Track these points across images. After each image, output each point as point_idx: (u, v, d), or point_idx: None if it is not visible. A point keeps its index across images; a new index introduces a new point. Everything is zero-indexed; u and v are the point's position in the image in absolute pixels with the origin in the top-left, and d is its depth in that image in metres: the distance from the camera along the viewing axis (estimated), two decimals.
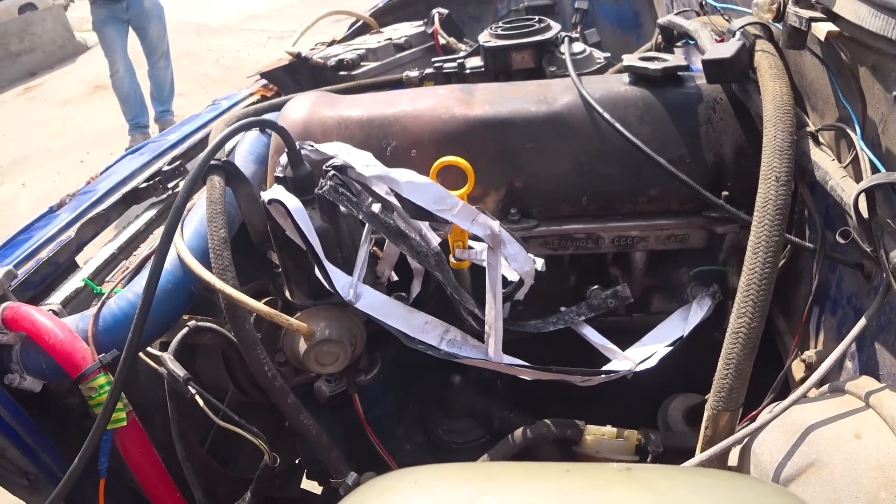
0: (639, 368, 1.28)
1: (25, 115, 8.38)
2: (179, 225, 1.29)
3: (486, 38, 1.91)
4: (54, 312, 1.27)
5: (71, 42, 10.57)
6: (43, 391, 1.24)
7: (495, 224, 1.18)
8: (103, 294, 1.32)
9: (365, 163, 1.17)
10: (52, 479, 1.24)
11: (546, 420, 1.34)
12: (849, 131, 1.00)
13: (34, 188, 6.14)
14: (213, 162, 1.26)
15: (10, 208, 5.83)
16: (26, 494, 1.32)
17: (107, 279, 1.48)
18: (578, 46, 1.80)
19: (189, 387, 1.22)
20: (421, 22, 2.45)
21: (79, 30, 10.67)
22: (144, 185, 1.71)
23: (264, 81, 2.35)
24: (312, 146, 1.23)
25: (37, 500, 1.31)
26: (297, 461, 1.68)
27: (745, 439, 0.95)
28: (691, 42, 1.71)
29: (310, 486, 1.74)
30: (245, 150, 1.61)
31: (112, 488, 1.23)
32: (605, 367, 1.29)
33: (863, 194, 0.88)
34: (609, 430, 1.32)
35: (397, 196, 1.17)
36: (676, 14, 1.87)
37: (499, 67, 1.89)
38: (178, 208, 1.14)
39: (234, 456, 1.75)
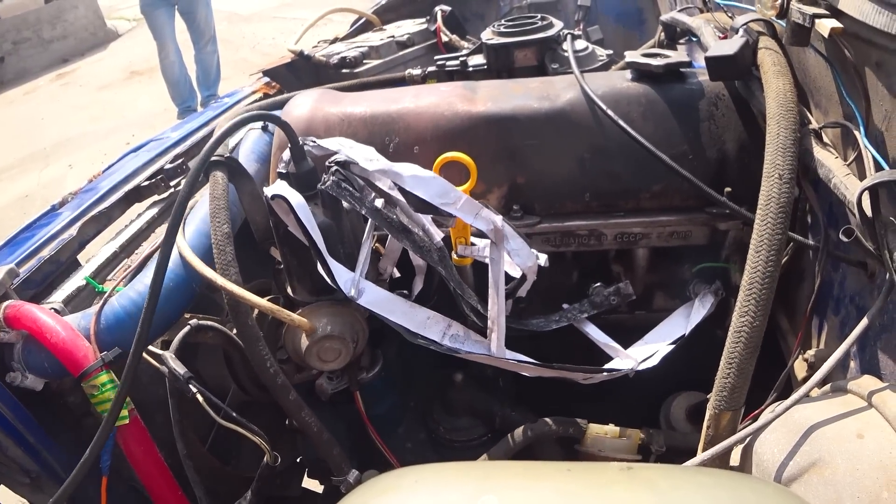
0: (641, 367, 1.28)
1: (63, 100, 8.20)
2: (182, 222, 1.29)
3: (488, 35, 1.91)
4: (56, 311, 1.28)
5: (102, 30, 10.58)
6: (45, 390, 1.25)
7: (498, 218, 1.17)
8: (105, 292, 1.32)
9: (368, 157, 1.17)
10: (54, 478, 1.24)
11: (548, 419, 1.34)
12: (852, 129, 1.00)
13: (81, 169, 5.96)
14: (215, 158, 1.26)
15: (60, 188, 5.65)
16: (28, 493, 1.32)
17: (108, 277, 1.48)
18: (581, 44, 1.79)
19: (190, 385, 1.21)
20: (424, 19, 2.45)
21: (109, 17, 10.67)
22: (146, 183, 1.71)
23: (267, 79, 2.35)
24: (315, 142, 1.23)
25: (39, 498, 1.31)
26: (298, 459, 1.67)
27: (747, 439, 0.95)
28: (694, 39, 1.70)
29: (311, 484, 1.74)
30: (247, 149, 1.61)
31: (114, 486, 1.23)
32: (607, 365, 1.29)
33: (866, 192, 0.88)
34: (612, 429, 1.32)
35: (401, 190, 1.17)
36: (679, 11, 1.86)
37: (501, 65, 1.88)
38: (180, 204, 1.14)
39: (236, 454, 1.75)
